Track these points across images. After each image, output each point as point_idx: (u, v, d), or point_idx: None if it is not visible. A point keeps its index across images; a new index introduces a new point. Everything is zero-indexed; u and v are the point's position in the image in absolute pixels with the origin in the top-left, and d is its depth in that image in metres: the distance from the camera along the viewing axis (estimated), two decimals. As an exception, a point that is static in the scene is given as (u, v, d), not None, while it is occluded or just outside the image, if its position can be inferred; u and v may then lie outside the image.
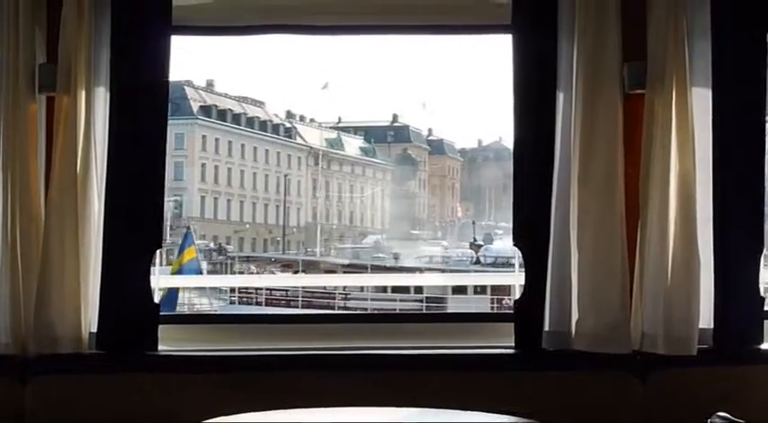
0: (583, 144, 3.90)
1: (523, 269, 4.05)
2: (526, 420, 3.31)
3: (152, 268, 4.08)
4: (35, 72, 3.90)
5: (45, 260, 3.81)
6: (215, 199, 19.45)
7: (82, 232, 3.83)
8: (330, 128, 17.02)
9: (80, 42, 3.84)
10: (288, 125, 16.31)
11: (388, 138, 17.24)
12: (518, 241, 4.08)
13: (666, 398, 3.83)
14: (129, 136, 3.93)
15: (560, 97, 3.98)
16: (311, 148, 15.80)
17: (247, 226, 19.45)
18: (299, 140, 16.83)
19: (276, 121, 17.62)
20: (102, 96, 3.91)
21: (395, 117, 17.04)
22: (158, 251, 4.15)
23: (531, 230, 4.01)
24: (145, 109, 3.95)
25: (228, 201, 19.43)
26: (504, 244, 17.14)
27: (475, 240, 17.78)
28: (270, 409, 3.40)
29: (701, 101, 3.96)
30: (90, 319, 3.87)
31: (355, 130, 17.42)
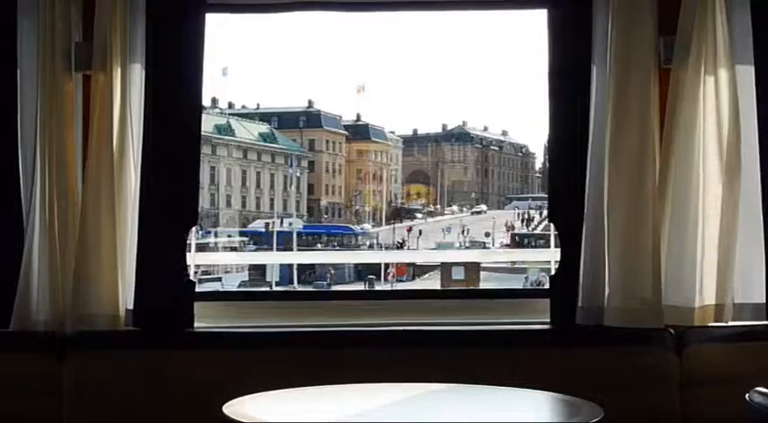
0: (614, 119, 3.85)
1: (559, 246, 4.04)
2: (563, 396, 3.29)
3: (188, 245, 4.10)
4: (71, 50, 3.92)
5: (82, 238, 3.84)
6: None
7: (118, 210, 3.86)
8: (231, 114, 16.56)
9: (115, 21, 3.85)
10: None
11: (300, 123, 16.94)
12: (553, 217, 4.07)
13: (703, 373, 3.79)
14: (165, 113, 3.95)
15: (594, 72, 3.94)
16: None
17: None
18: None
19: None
20: (137, 74, 3.92)
21: (310, 103, 16.80)
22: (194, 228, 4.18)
23: (566, 207, 4.00)
24: (180, 86, 3.97)
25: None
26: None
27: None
28: (302, 386, 3.41)
29: (744, 76, 3.90)
30: (126, 296, 3.89)
31: (264, 116, 16.96)
